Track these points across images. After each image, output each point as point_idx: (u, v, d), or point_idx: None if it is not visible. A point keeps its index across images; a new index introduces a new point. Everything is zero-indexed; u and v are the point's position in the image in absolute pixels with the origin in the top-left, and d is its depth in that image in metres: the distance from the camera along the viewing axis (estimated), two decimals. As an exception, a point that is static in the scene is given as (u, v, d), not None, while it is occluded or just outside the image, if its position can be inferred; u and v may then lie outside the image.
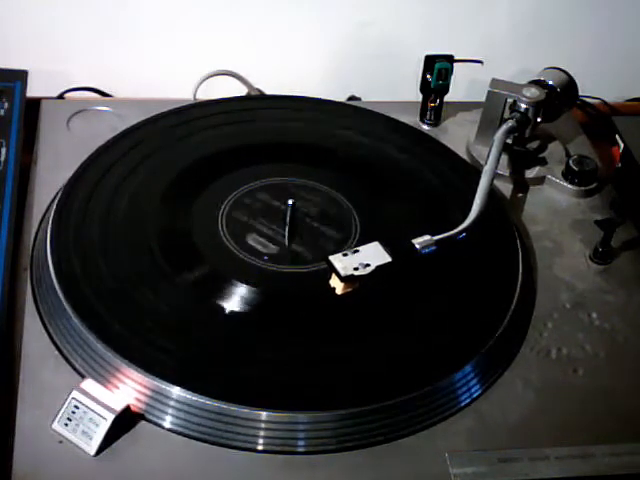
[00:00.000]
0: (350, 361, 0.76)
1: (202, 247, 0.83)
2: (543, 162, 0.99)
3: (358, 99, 1.14)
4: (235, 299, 0.79)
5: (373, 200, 0.90)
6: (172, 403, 0.71)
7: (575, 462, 0.72)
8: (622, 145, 0.99)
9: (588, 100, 1.18)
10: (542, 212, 0.95)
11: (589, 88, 1.07)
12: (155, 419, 0.72)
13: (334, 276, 0.76)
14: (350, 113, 1.03)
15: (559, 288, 0.86)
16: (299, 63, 1.17)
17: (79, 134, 0.96)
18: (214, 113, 0.99)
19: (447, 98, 1.02)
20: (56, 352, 0.75)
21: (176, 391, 0.71)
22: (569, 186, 0.96)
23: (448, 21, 1.16)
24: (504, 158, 0.96)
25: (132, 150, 0.92)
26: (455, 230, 0.81)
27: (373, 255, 0.77)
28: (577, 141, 1.03)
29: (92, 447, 0.69)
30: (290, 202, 0.87)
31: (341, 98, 1.13)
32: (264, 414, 0.71)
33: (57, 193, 0.88)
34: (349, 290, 0.76)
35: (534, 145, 1.00)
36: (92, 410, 0.70)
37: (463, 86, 1.08)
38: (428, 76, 1.00)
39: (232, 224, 0.86)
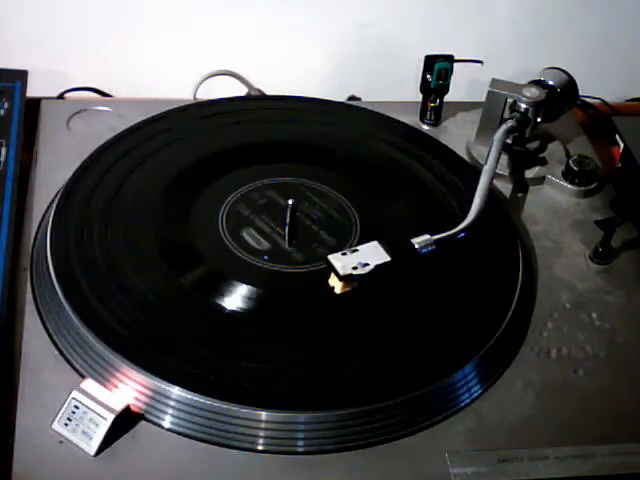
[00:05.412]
0: (349, 361, 0.76)
1: (202, 247, 0.83)
2: (543, 162, 0.99)
3: (358, 99, 1.14)
4: (235, 299, 0.79)
5: (373, 200, 0.90)
6: (172, 403, 0.71)
7: (575, 462, 0.72)
8: (622, 145, 0.99)
9: (588, 100, 1.18)
10: (542, 212, 0.95)
11: (589, 88, 1.07)
12: (155, 419, 0.72)
13: (333, 275, 0.76)
14: (350, 113, 1.02)
15: (559, 288, 0.86)
16: (299, 63, 1.17)
17: (79, 134, 0.96)
18: (214, 113, 0.99)
19: (447, 98, 1.02)
20: (56, 352, 0.75)
21: (176, 391, 0.71)
22: (569, 186, 0.96)
23: (448, 21, 1.16)
24: (504, 158, 0.96)
25: (132, 150, 0.92)
26: (454, 230, 0.81)
27: (372, 254, 0.77)
28: (577, 141, 1.03)
29: (92, 447, 0.69)
30: (290, 202, 0.87)
31: (341, 98, 1.13)
32: (264, 414, 0.71)
33: (57, 193, 0.88)
34: (348, 289, 0.76)
35: (534, 145, 1.00)
36: (92, 410, 0.70)
37: (463, 86, 1.08)
38: (428, 76, 1.00)
39: (232, 224, 0.85)
